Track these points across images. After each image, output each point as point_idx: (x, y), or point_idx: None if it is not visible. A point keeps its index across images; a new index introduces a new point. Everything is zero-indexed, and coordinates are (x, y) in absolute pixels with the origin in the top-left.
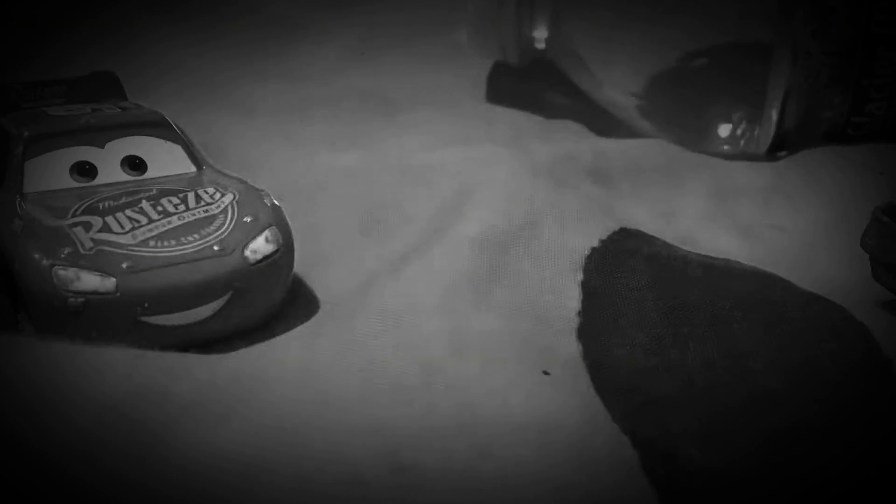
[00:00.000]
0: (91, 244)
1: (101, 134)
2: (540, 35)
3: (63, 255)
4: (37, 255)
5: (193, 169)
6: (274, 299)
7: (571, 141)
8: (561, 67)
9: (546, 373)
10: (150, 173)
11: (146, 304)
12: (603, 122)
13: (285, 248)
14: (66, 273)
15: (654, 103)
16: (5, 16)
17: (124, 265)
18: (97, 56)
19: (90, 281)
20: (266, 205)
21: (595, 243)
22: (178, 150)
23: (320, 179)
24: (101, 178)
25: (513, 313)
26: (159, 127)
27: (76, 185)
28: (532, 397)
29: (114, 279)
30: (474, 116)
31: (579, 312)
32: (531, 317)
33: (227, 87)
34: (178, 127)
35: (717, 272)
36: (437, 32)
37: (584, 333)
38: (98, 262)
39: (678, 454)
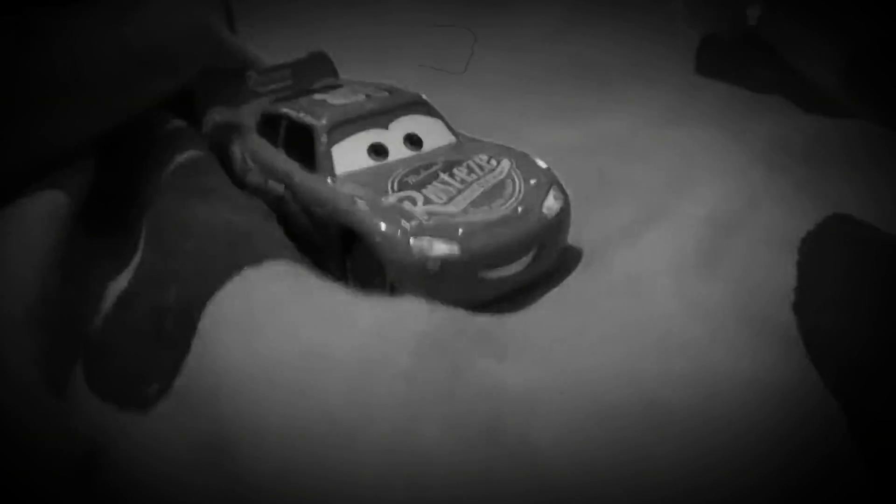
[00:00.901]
0: (427, 216)
1: (382, 117)
2: (753, 12)
3: (411, 228)
4: (394, 230)
5: (453, 139)
6: (561, 249)
7: (781, 122)
8: (771, 42)
9: None
10: (426, 147)
11: (484, 263)
12: (809, 100)
13: (567, 202)
14: (420, 243)
15: (858, 81)
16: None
17: (460, 231)
18: (304, 36)
19: (440, 248)
20: (540, 166)
21: (811, 226)
22: (439, 124)
23: (544, 154)
24: (392, 156)
25: (733, 284)
26: (422, 105)
27: (375, 163)
28: (749, 359)
29: (457, 244)
30: (685, 91)
31: (794, 289)
32: (749, 289)
33: (449, 58)
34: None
35: None
36: (652, 0)
37: (797, 306)
38: (441, 230)
39: (887, 424)
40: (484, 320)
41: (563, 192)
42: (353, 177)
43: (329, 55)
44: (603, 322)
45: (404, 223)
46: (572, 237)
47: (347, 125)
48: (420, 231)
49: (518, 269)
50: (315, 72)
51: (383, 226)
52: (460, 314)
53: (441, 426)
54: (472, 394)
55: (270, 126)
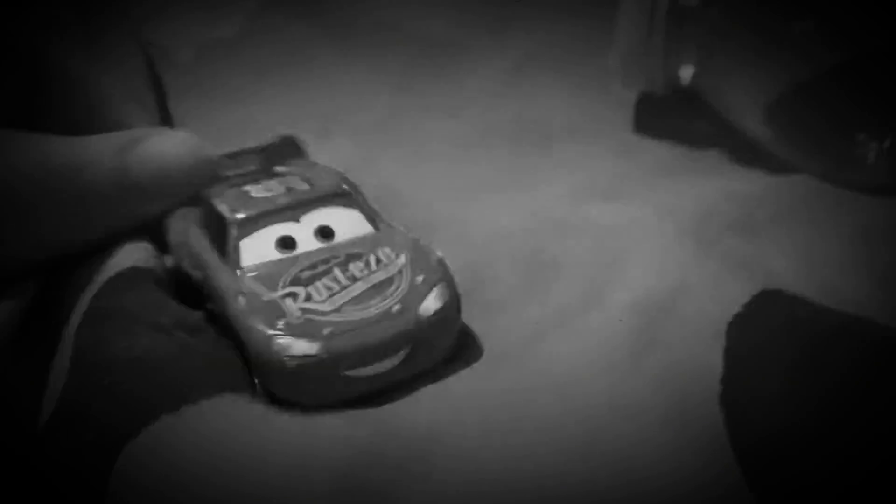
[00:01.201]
0: (299, 314)
1: (296, 210)
2: (686, 72)
3: (279, 326)
4: (259, 328)
5: (371, 230)
6: (445, 347)
7: (714, 188)
8: (706, 98)
9: None
10: (338, 238)
11: (346, 363)
12: (746, 154)
13: (451, 301)
14: (281, 341)
15: (785, 130)
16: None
17: (325, 331)
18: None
19: (300, 346)
20: (433, 263)
21: (739, 308)
22: (357, 215)
23: (479, 235)
24: (299, 248)
25: (661, 381)
26: (341, 196)
27: (280, 256)
28: (675, 463)
29: (319, 343)
30: (622, 154)
31: (722, 379)
32: (678, 387)
33: (396, 124)
34: (355, 189)
35: (860, 338)
36: (592, 54)
37: (725, 401)
38: (306, 329)
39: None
40: (406, 437)
41: (450, 288)
42: (257, 269)
43: (296, 138)
44: (527, 424)
45: (271, 321)
46: (499, 330)
47: (261, 219)
48: (286, 330)
49: (387, 367)
50: (283, 153)
51: (250, 322)
52: (381, 433)
53: None
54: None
55: (205, 215)
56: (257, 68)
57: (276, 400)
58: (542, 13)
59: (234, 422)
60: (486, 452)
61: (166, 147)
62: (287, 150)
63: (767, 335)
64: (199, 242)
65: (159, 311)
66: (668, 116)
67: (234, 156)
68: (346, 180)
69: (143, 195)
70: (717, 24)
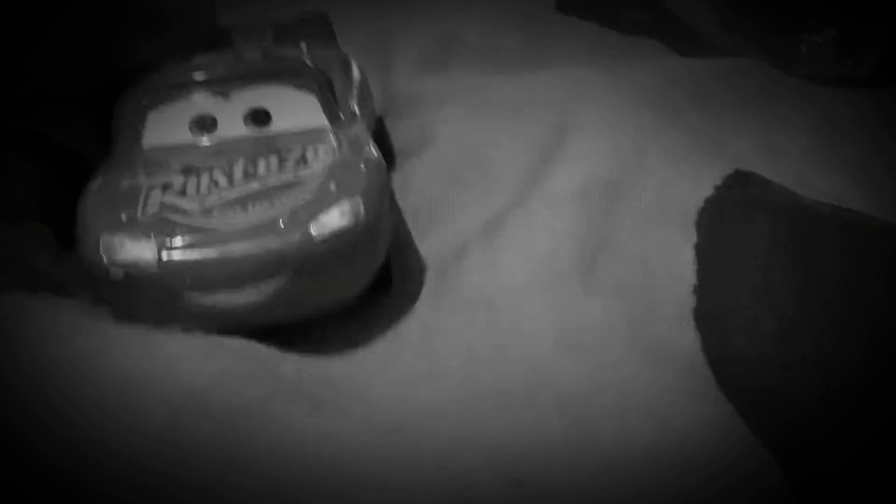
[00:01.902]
0: (156, 209)
1: (227, 85)
2: None
3: (121, 220)
4: (89, 221)
5: (323, 121)
6: (346, 284)
7: (664, 63)
8: None
9: None
10: (274, 127)
11: (190, 282)
12: (687, 41)
13: (364, 222)
14: (110, 239)
15: (738, 17)
16: None
17: (174, 235)
18: None
19: (131, 250)
20: (361, 169)
21: (709, 191)
22: (310, 99)
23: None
24: (219, 131)
25: (620, 293)
26: (295, 74)
27: (188, 138)
28: (655, 410)
29: (156, 248)
30: (545, 32)
31: (695, 289)
32: (641, 299)
33: None
34: (320, 71)
35: (848, 229)
36: None
37: (701, 318)
38: (150, 229)
39: (826, 473)
40: (295, 361)
41: (370, 205)
42: (152, 149)
43: (328, 18)
44: (451, 359)
45: (115, 214)
46: (428, 244)
47: (177, 88)
48: (125, 227)
49: (252, 299)
50: (304, 35)
51: (85, 214)
52: (260, 354)
53: None
54: (262, 473)
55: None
56: None
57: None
58: None
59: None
60: (392, 394)
61: None
62: (312, 30)
63: (744, 227)
64: (126, 117)
65: None
66: (595, 2)
67: (245, 28)
68: (333, 62)
69: (142, 28)
70: None
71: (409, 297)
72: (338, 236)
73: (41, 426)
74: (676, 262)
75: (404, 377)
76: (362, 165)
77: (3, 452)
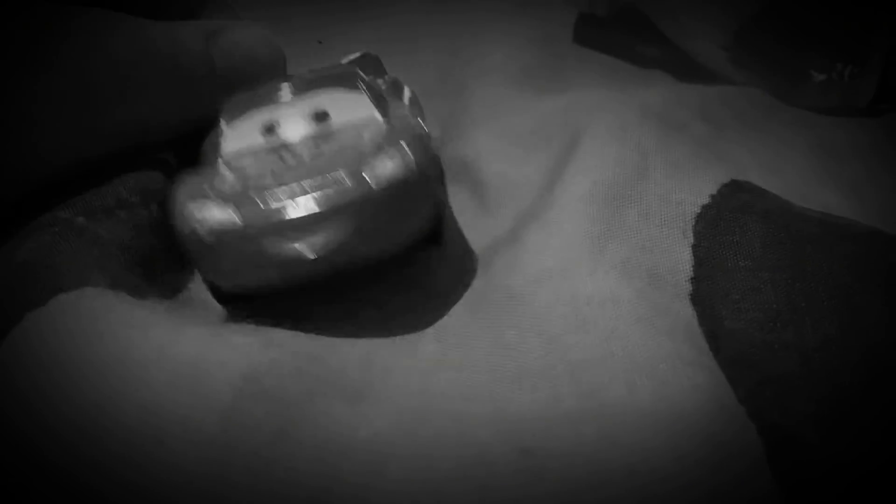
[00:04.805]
0: (235, 184)
1: (290, 95)
2: None
3: (202, 190)
4: (180, 193)
5: (375, 115)
6: (404, 230)
7: (671, 86)
8: (651, 18)
9: None
10: (333, 122)
11: (271, 233)
12: (697, 74)
13: (413, 166)
14: (194, 206)
15: (747, 54)
16: None
17: (250, 197)
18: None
19: (215, 212)
20: (410, 128)
21: (706, 199)
22: (363, 98)
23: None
24: (283, 132)
25: (625, 274)
26: (348, 80)
27: (262, 141)
28: (655, 375)
29: (235, 208)
30: (565, 56)
31: (691, 280)
32: (644, 278)
33: None
34: (369, 82)
35: (833, 232)
36: None
37: (697, 302)
38: (229, 195)
39: (799, 441)
40: (342, 354)
41: (417, 156)
42: (234, 154)
43: (378, 57)
44: (479, 348)
45: (197, 187)
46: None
47: (250, 101)
48: (206, 193)
49: (320, 245)
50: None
51: (176, 192)
52: (307, 346)
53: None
54: (306, 451)
55: None
56: None
57: (224, 299)
58: None
59: (128, 315)
60: (431, 385)
61: (245, 38)
62: (365, 66)
63: (738, 230)
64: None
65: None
66: (610, 36)
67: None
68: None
69: (224, 83)
70: None
71: (441, 290)
72: (389, 182)
73: (125, 402)
74: (674, 256)
75: (436, 366)
76: (410, 128)
77: (96, 426)
